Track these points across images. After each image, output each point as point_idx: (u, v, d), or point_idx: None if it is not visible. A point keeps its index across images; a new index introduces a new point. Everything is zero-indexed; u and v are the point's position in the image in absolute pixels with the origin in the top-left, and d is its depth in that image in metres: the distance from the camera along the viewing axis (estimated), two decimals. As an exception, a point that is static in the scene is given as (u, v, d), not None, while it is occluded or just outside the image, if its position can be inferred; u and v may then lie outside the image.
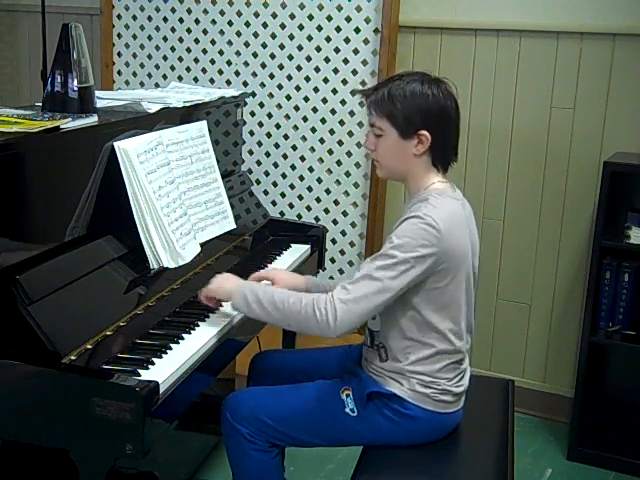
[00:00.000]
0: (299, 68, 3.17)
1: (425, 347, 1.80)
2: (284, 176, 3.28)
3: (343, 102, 3.11)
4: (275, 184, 3.30)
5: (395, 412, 1.82)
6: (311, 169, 3.22)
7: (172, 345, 1.77)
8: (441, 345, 1.80)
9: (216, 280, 1.95)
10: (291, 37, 3.17)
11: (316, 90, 3.16)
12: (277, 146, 3.27)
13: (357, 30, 3.05)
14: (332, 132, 3.16)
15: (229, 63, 3.31)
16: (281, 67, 3.20)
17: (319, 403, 1.87)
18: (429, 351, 1.80)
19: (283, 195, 3.29)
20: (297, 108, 3.20)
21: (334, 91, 3.12)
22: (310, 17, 3.11)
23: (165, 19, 3.39)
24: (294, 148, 3.24)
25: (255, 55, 3.24)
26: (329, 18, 3.08)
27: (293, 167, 3.25)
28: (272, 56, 3.21)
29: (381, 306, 1.72)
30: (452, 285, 1.77)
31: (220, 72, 3.33)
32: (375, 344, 1.85)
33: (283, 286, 2.08)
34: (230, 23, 3.27)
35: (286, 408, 1.88)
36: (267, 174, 3.31)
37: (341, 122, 3.13)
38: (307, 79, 3.17)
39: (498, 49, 2.97)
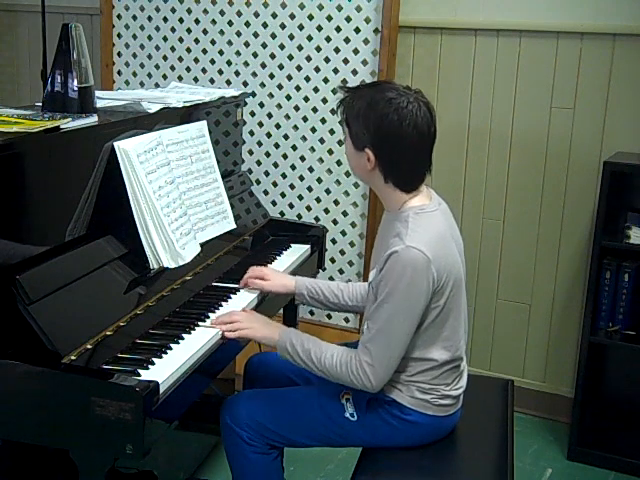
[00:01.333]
0: (299, 68, 3.17)
1: (425, 362, 1.80)
2: (284, 176, 3.27)
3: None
4: (275, 184, 3.30)
5: (395, 417, 1.82)
6: (311, 169, 3.22)
7: (172, 345, 1.77)
8: (441, 358, 1.80)
9: (247, 325, 1.90)
10: (291, 37, 3.17)
11: (316, 90, 3.16)
12: (277, 146, 3.27)
13: (357, 30, 3.04)
14: (332, 132, 3.16)
15: (229, 63, 3.31)
16: (281, 67, 3.20)
17: (319, 407, 1.87)
18: (427, 365, 1.80)
19: (283, 195, 3.29)
20: (297, 108, 3.20)
21: (334, 91, 3.12)
22: (310, 17, 3.11)
23: (165, 19, 3.39)
24: (294, 148, 3.24)
25: (255, 55, 3.24)
26: (329, 18, 3.08)
27: (293, 167, 3.25)
28: (272, 56, 3.21)
29: (404, 350, 1.74)
30: (450, 300, 1.77)
31: (220, 72, 3.33)
32: None
33: (273, 285, 2.16)
34: (230, 23, 3.27)
35: (286, 412, 1.88)
36: (267, 174, 3.31)
37: (341, 122, 3.12)
38: (307, 79, 3.17)
39: (498, 49, 2.96)
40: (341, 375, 1.76)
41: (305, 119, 3.19)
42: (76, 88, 1.99)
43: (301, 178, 3.24)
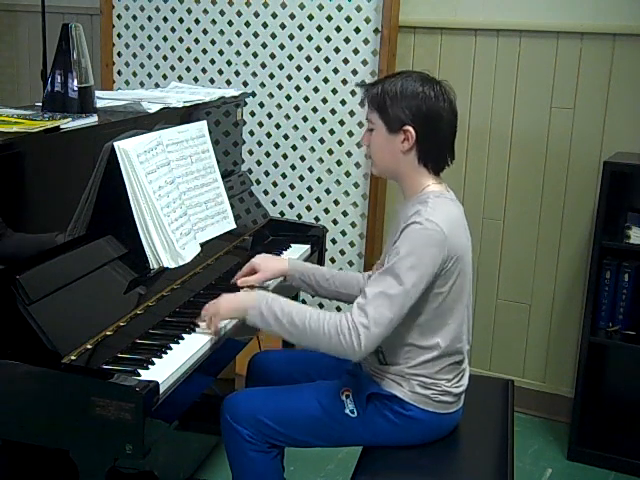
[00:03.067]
0: (299, 68, 3.17)
1: (426, 351, 1.80)
2: (284, 176, 3.28)
3: (343, 102, 3.11)
4: (275, 184, 3.30)
5: (395, 413, 1.81)
6: (311, 169, 3.22)
7: (172, 345, 1.77)
8: (442, 349, 1.79)
9: (215, 305, 1.86)
10: (291, 37, 3.17)
11: (316, 90, 3.16)
12: (277, 146, 3.27)
13: (357, 30, 3.05)
14: (332, 132, 3.16)
15: (229, 63, 3.31)
16: (281, 67, 3.20)
17: (319, 404, 1.86)
18: (430, 355, 1.79)
19: (283, 195, 3.29)
20: (297, 108, 3.20)
21: (334, 91, 3.12)
22: (310, 17, 3.11)
23: (165, 19, 3.39)
24: (294, 148, 3.24)
25: (255, 55, 3.24)
26: (329, 18, 3.08)
27: (293, 167, 3.25)
28: (272, 56, 3.21)
29: (401, 318, 1.71)
30: (455, 288, 1.77)
31: (220, 72, 3.33)
32: (375, 350, 1.85)
33: (267, 273, 2.13)
34: (230, 23, 3.27)
35: (285, 409, 1.88)
36: (267, 174, 3.31)
37: (341, 122, 3.13)
38: (307, 79, 3.17)
39: (498, 49, 2.96)
40: (326, 337, 1.69)
41: (305, 119, 3.19)
42: (76, 88, 2.00)
43: (301, 178, 3.24)
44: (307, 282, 2.13)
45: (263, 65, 3.23)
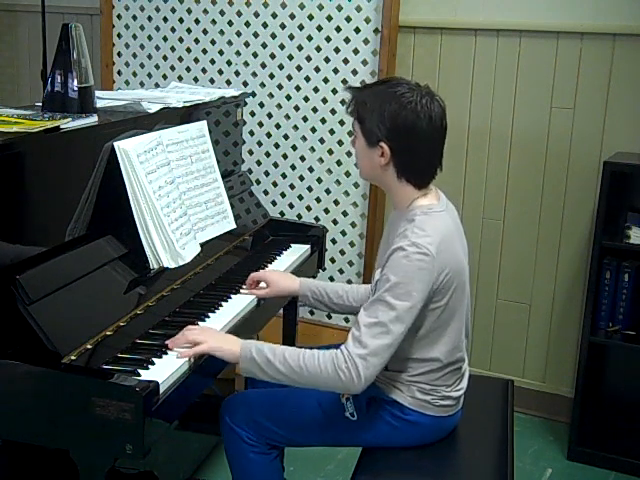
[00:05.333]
0: (299, 68, 3.17)
1: (426, 363, 1.79)
2: (284, 176, 3.27)
3: (343, 102, 3.11)
4: (275, 184, 3.30)
5: (395, 417, 1.81)
6: (311, 169, 3.22)
7: (172, 345, 1.77)
8: (442, 359, 1.79)
9: (201, 339, 1.74)
10: (291, 37, 3.17)
11: (316, 90, 3.16)
12: (277, 146, 3.27)
13: (357, 30, 3.04)
14: (332, 132, 3.16)
15: (229, 63, 3.31)
16: (281, 67, 3.20)
17: (319, 407, 1.86)
18: (430, 367, 1.79)
19: (283, 195, 3.29)
20: (297, 108, 3.20)
21: (334, 91, 3.12)
22: (310, 17, 3.11)
23: (165, 19, 3.39)
24: (294, 148, 3.24)
25: (255, 55, 3.24)
26: (329, 18, 3.08)
27: (293, 167, 3.25)
28: (272, 56, 3.21)
29: (398, 344, 1.68)
30: (452, 301, 1.76)
31: (220, 72, 3.33)
32: None
33: (276, 290, 2.12)
34: (230, 23, 3.27)
35: (285, 411, 1.88)
36: (267, 174, 3.31)
37: (341, 122, 3.13)
38: (307, 79, 3.17)
39: (498, 49, 2.96)
40: (324, 374, 1.66)
41: (305, 119, 3.19)
42: (76, 88, 1.99)
43: (301, 178, 3.24)
44: (320, 300, 2.11)
45: (263, 65, 3.23)
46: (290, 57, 3.18)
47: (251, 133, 3.29)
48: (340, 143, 3.14)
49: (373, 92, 1.75)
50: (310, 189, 3.24)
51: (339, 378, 1.65)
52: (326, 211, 3.22)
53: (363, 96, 1.76)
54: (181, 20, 3.36)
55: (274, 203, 3.31)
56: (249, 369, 1.73)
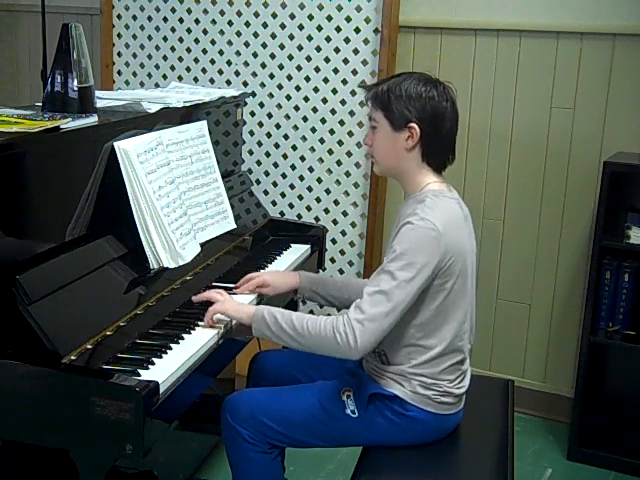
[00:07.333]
0: (299, 68, 3.17)
1: (427, 350, 1.80)
2: (284, 176, 3.27)
3: (343, 102, 3.11)
4: (275, 184, 3.30)
5: (396, 414, 1.81)
6: (311, 169, 3.22)
7: (172, 345, 1.77)
8: (444, 347, 1.80)
9: (221, 299, 1.93)
10: (291, 37, 3.17)
11: (316, 90, 3.16)
12: (277, 146, 3.27)
13: (357, 30, 3.04)
14: (332, 132, 3.16)
15: (229, 63, 3.31)
16: (281, 67, 3.20)
17: (319, 404, 1.86)
18: (431, 354, 1.80)
19: (283, 195, 3.29)
20: (297, 108, 3.20)
21: (334, 91, 3.12)
22: (310, 17, 3.11)
23: (165, 19, 3.39)
24: (294, 148, 3.24)
25: (255, 55, 3.24)
26: (329, 18, 3.08)
27: (293, 167, 3.25)
28: (272, 56, 3.21)
29: (398, 317, 1.72)
30: (456, 286, 1.78)
31: (220, 72, 3.33)
32: (376, 351, 1.84)
33: (277, 291, 2.14)
34: (230, 23, 3.27)
35: (286, 409, 1.88)
36: (267, 174, 3.31)
37: (341, 122, 3.13)
38: (307, 79, 3.17)
39: (498, 49, 2.97)
40: (324, 337, 1.72)
41: (305, 119, 3.19)
42: (76, 88, 1.99)
43: (301, 178, 3.24)
44: (319, 293, 2.13)
45: (263, 65, 3.23)
46: (290, 57, 3.18)
47: (251, 133, 3.29)
48: (340, 143, 3.14)
49: (393, 82, 1.81)
50: (310, 189, 3.24)
51: (336, 341, 1.70)
52: (326, 211, 3.22)
53: (385, 86, 1.82)
54: (181, 20, 3.36)
55: (274, 203, 3.31)
56: (259, 328, 1.82)
